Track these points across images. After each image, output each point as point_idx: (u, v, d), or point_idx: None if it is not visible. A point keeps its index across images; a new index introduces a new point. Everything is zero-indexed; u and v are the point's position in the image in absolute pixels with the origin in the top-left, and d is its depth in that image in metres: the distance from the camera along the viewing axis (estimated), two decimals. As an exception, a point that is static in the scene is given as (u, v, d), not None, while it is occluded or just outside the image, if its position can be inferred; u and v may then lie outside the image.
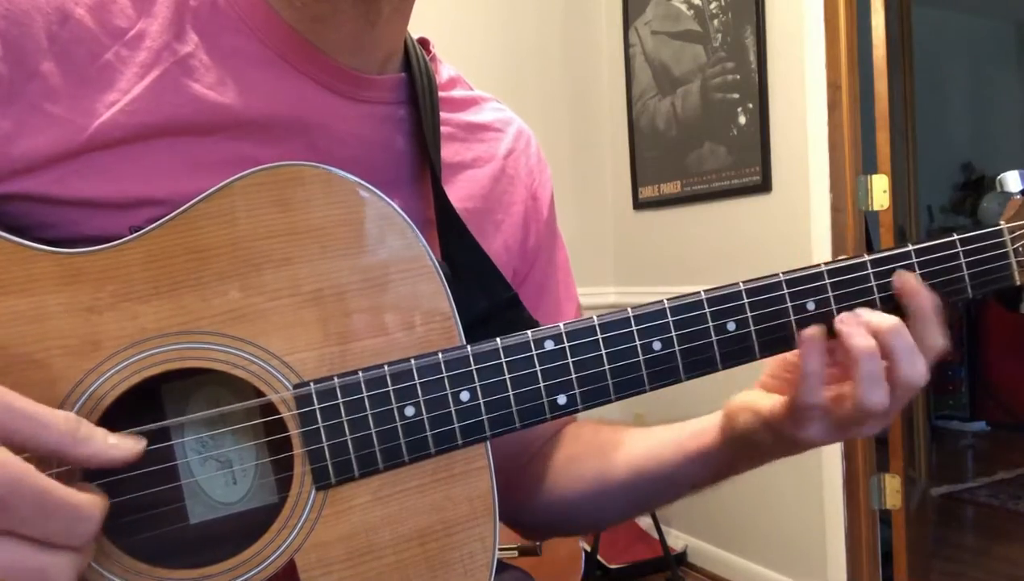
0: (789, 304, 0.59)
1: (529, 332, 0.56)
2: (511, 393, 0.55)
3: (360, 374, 0.53)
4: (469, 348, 0.55)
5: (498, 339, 0.56)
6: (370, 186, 0.55)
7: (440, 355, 0.54)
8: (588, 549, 2.49)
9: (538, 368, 0.56)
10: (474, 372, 0.55)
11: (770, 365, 0.66)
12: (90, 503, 0.43)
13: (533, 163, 0.78)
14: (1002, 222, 0.63)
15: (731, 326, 0.59)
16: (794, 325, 0.59)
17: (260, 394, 0.52)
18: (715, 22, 2.60)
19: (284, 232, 0.53)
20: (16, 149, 0.53)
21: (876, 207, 2.24)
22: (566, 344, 0.56)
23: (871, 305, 0.60)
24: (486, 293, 0.64)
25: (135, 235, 0.51)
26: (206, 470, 0.55)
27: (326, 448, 0.52)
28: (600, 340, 0.57)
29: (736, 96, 2.54)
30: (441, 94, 0.70)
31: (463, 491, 0.55)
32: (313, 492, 0.52)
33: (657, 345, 0.58)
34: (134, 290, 0.51)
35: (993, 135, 5.29)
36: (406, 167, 0.66)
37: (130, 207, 0.55)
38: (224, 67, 0.58)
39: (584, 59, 3.10)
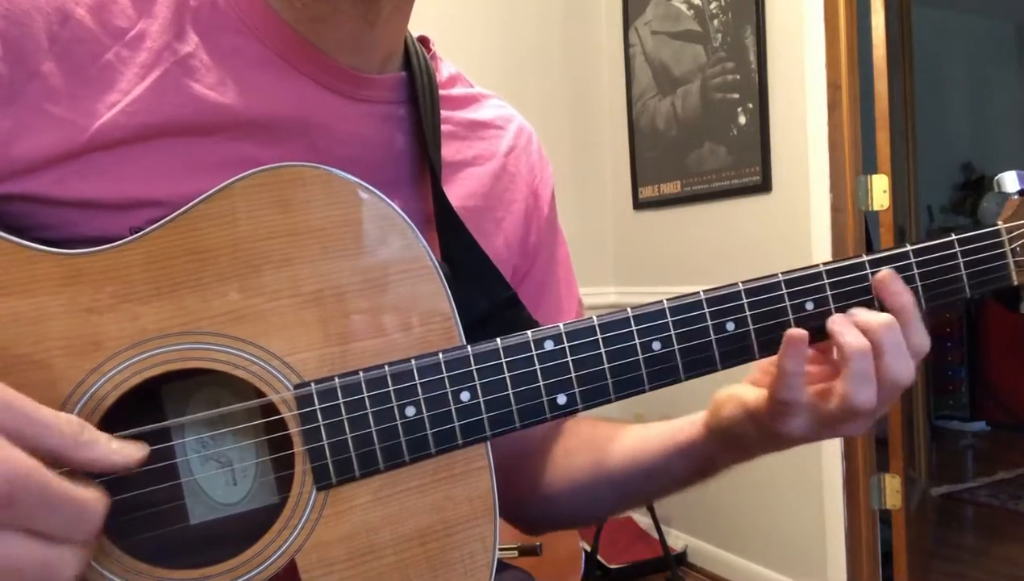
0: (788, 304, 0.60)
1: (529, 332, 0.56)
2: (511, 393, 0.55)
3: (361, 374, 0.53)
4: (469, 348, 0.55)
5: (498, 339, 0.56)
6: (370, 187, 0.55)
7: (440, 355, 0.55)
8: (588, 549, 2.49)
9: (538, 368, 0.56)
10: (474, 372, 0.55)
11: (761, 361, 0.66)
12: (94, 499, 0.43)
13: (534, 160, 0.78)
14: (1000, 222, 0.64)
15: (730, 326, 0.59)
16: (793, 325, 0.59)
17: (261, 394, 0.52)
18: (715, 22, 2.60)
19: (284, 233, 0.53)
20: (16, 150, 0.53)
21: (876, 207, 2.24)
22: (566, 344, 0.56)
23: (869, 305, 0.60)
24: (485, 293, 0.64)
25: (135, 236, 0.51)
26: (206, 470, 0.55)
27: (327, 448, 0.52)
28: (600, 340, 0.57)
29: (736, 96, 2.54)
30: (441, 92, 0.70)
31: (463, 491, 0.55)
32: (314, 492, 0.52)
33: (657, 345, 0.58)
34: (135, 291, 0.51)
35: (993, 135, 5.29)
36: (406, 166, 0.66)
37: (130, 208, 0.55)
38: (224, 67, 0.58)
39: (584, 59, 3.10)
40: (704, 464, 0.69)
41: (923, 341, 0.59)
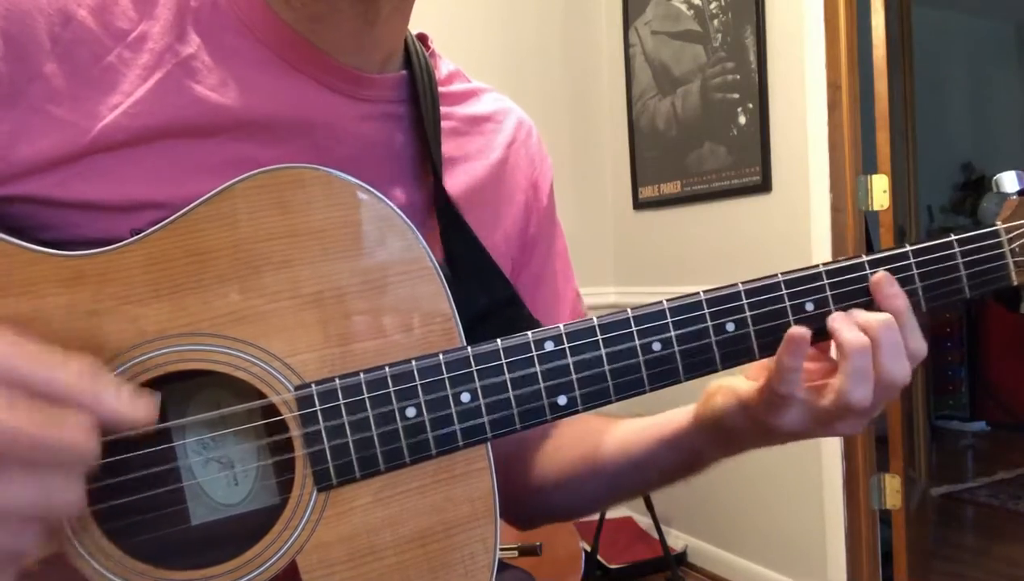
0: (788, 304, 0.60)
1: (529, 333, 0.56)
2: (512, 394, 0.55)
3: (361, 375, 0.53)
4: (470, 349, 0.55)
5: (498, 340, 0.56)
6: (370, 188, 0.55)
7: (441, 356, 0.55)
8: (588, 549, 2.49)
9: (538, 369, 0.56)
10: (475, 373, 0.55)
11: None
12: (76, 420, 0.42)
13: (534, 152, 0.78)
14: (999, 222, 0.64)
15: (730, 327, 0.59)
16: (793, 326, 0.59)
17: (261, 396, 0.52)
18: (715, 22, 2.60)
19: (285, 234, 0.53)
20: (18, 151, 0.53)
21: (876, 207, 2.24)
22: (566, 345, 0.56)
23: (869, 306, 0.60)
24: (486, 290, 0.64)
25: (135, 238, 0.51)
26: (208, 471, 0.55)
27: (327, 449, 0.52)
28: (600, 341, 0.57)
29: (736, 96, 2.54)
30: (441, 89, 0.70)
31: (464, 492, 0.55)
32: (315, 493, 0.52)
33: (657, 346, 0.58)
34: (135, 292, 0.51)
35: (993, 135, 5.29)
36: (408, 165, 0.66)
37: (132, 209, 0.55)
38: (226, 68, 0.58)
39: (584, 59, 3.10)
40: (692, 457, 0.69)
41: (919, 345, 0.60)
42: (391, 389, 0.53)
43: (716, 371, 0.59)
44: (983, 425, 4.72)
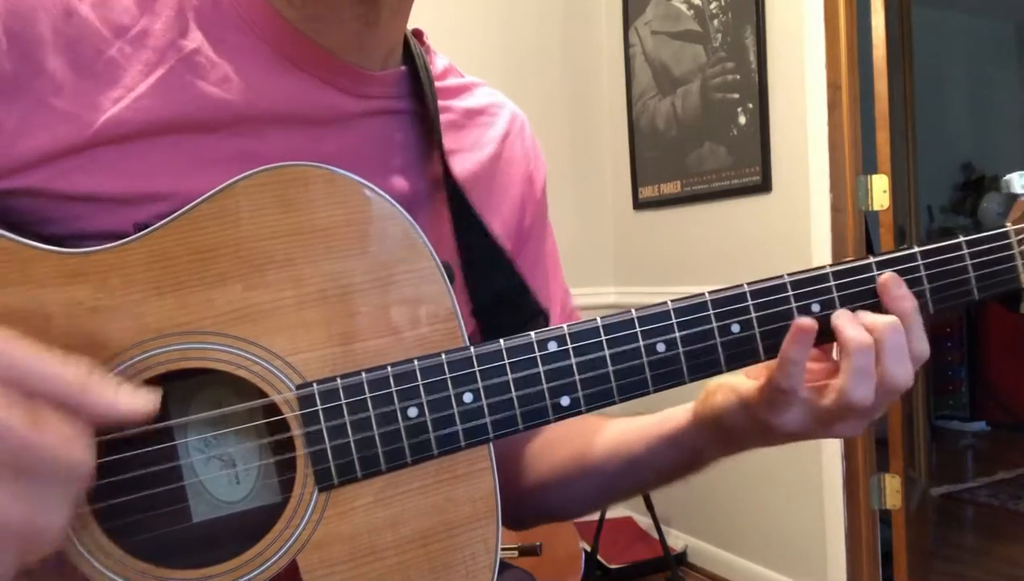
0: (794, 306, 0.59)
1: (532, 333, 0.56)
2: (514, 395, 0.55)
3: (363, 375, 0.53)
4: (472, 349, 0.55)
5: (501, 340, 0.55)
6: (373, 186, 0.55)
7: (443, 356, 0.54)
8: (588, 549, 2.49)
9: (541, 369, 0.56)
10: (477, 373, 0.55)
11: None
12: (74, 434, 0.41)
13: (528, 145, 0.79)
14: (1008, 224, 0.63)
15: (735, 328, 0.58)
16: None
17: (263, 395, 0.52)
18: (715, 22, 2.60)
19: (287, 232, 0.53)
20: (21, 144, 0.53)
21: (876, 207, 2.24)
22: (570, 346, 0.56)
23: (876, 307, 0.59)
24: (499, 275, 0.65)
25: (137, 235, 0.51)
26: (209, 469, 0.54)
27: (329, 449, 0.52)
28: (604, 342, 0.57)
29: (736, 96, 2.54)
30: (437, 84, 0.70)
31: (466, 492, 0.55)
32: (316, 493, 0.52)
33: (661, 347, 0.57)
34: (137, 290, 0.51)
35: (993, 135, 5.29)
36: (409, 159, 0.67)
37: (134, 203, 0.55)
38: (228, 64, 0.59)
39: (584, 59, 3.10)
40: (691, 455, 0.68)
41: (923, 347, 0.59)
42: (393, 389, 0.53)
43: (721, 372, 0.59)
44: (983, 425, 4.72)
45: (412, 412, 0.53)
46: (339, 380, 0.53)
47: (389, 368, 0.53)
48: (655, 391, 0.58)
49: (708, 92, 2.65)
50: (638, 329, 0.57)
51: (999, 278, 0.62)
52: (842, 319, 0.58)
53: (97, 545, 0.49)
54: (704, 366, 0.58)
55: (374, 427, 0.53)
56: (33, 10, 0.54)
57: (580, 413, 0.57)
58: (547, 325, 0.70)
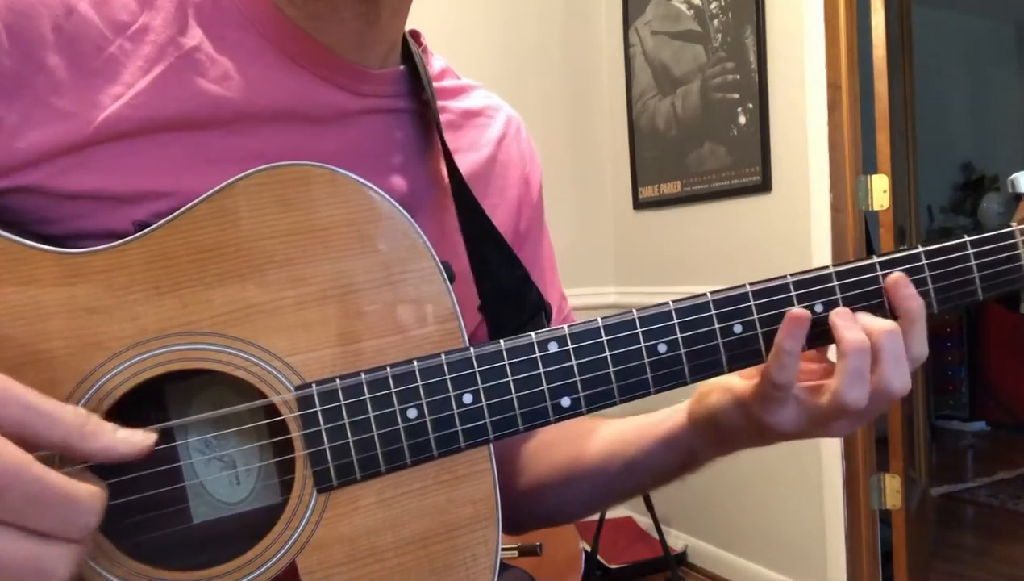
0: (797, 306, 0.59)
1: (533, 334, 0.56)
2: (514, 395, 0.55)
3: (362, 375, 0.53)
4: (472, 350, 0.55)
5: (501, 341, 0.55)
6: (374, 186, 0.55)
7: (443, 356, 0.54)
8: (588, 549, 2.49)
9: (542, 370, 0.55)
10: (477, 374, 0.54)
11: None
12: (89, 494, 0.42)
13: (524, 148, 0.79)
14: (1013, 224, 0.62)
15: (738, 328, 0.58)
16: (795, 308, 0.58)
17: (263, 396, 0.52)
18: (715, 22, 2.60)
19: (287, 232, 0.53)
20: (21, 142, 0.53)
21: (876, 207, 2.23)
22: (570, 346, 0.56)
23: (879, 308, 0.59)
24: (502, 271, 0.65)
25: (136, 235, 0.51)
26: (210, 470, 0.54)
27: (328, 450, 0.52)
28: (605, 342, 0.56)
29: (736, 96, 2.53)
30: (434, 84, 0.71)
31: (466, 493, 0.55)
32: (315, 494, 0.52)
33: (662, 347, 0.57)
34: (135, 290, 0.50)
35: (993, 135, 5.29)
36: (409, 158, 0.67)
37: (134, 201, 0.55)
38: (228, 61, 0.58)
39: (584, 59, 3.10)
40: (686, 456, 0.68)
41: (923, 349, 0.59)
42: (392, 390, 0.53)
43: (723, 372, 0.58)
44: (983, 425, 4.72)
45: (412, 413, 0.53)
46: (338, 381, 0.52)
47: (388, 369, 0.53)
48: (656, 392, 0.58)
49: (708, 92, 2.65)
50: (639, 329, 0.57)
51: (1004, 278, 0.62)
52: (841, 318, 0.57)
53: (96, 546, 0.49)
54: (706, 367, 0.58)
55: (373, 428, 0.53)
56: (34, 7, 0.54)
57: (581, 414, 0.57)
58: (550, 318, 0.70)
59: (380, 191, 0.55)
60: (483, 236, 0.66)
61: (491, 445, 0.55)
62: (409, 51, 0.69)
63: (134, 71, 0.56)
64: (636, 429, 0.70)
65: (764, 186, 2.46)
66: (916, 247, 0.61)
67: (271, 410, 0.52)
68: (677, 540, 2.88)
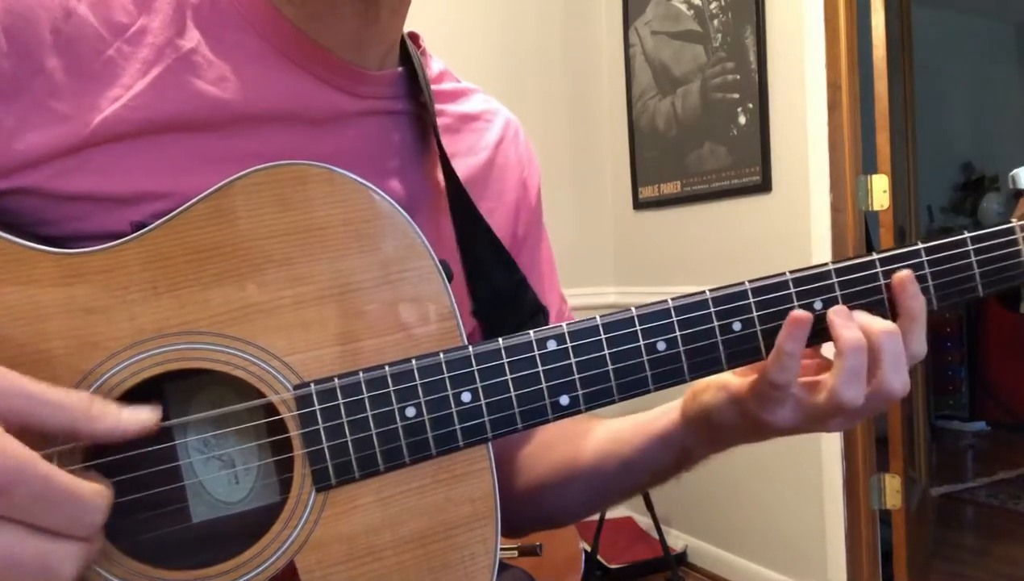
0: (796, 303, 0.58)
1: (531, 332, 0.56)
2: (513, 394, 0.55)
3: (361, 374, 0.53)
4: (471, 348, 0.55)
5: (500, 339, 0.55)
6: (372, 186, 0.55)
7: (441, 355, 0.54)
8: (588, 549, 2.49)
9: (540, 368, 0.55)
10: (475, 373, 0.54)
11: None
12: (95, 492, 0.42)
13: (522, 151, 0.79)
14: (1014, 220, 0.62)
15: (737, 326, 0.58)
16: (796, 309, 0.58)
17: (261, 395, 0.52)
18: (715, 22, 2.60)
19: (285, 232, 0.53)
20: (20, 144, 0.53)
21: (876, 207, 2.23)
22: (569, 344, 0.56)
23: (879, 305, 0.59)
24: (498, 275, 0.65)
25: (134, 235, 0.51)
26: (209, 470, 0.54)
27: (326, 449, 0.52)
28: (603, 340, 0.56)
29: (736, 96, 2.53)
30: (433, 87, 0.70)
31: (465, 492, 0.55)
32: (313, 493, 0.52)
33: (661, 345, 0.57)
34: (133, 291, 0.50)
35: (993, 135, 5.29)
36: (406, 159, 0.67)
37: (132, 202, 0.55)
38: (226, 63, 0.58)
39: (584, 59, 3.10)
40: (680, 454, 0.68)
41: (922, 348, 0.59)
42: (391, 388, 0.53)
43: (722, 370, 0.58)
44: (983, 425, 4.72)
45: (410, 412, 0.53)
46: (336, 380, 0.52)
47: (387, 368, 0.53)
48: (656, 390, 0.57)
49: (708, 92, 2.65)
50: (638, 327, 0.57)
51: (1004, 274, 0.62)
52: (839, 316, 0.57)
53: (100, 541, 0.49)
54: (705, 364, 0.58)
55: (372, 427, 0.53)
56: (32, 10, 0.54)
57: (580, 412, 0.57)
58: (547, 323, 0.70)
59: (379, 190, 0.55)
60: (478, 240, 0.66)
61: (490, 444, 0.55)
62: (407, 53, 0.69)
63: (132, 73, 0.56)
64: (631, 428, 0.70)
65: (764, 186, 2.46)
66: (916, 244, 0.60)
67: (270, 409, 0.52)
68: (677, 540, 2.88)
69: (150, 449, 0.50)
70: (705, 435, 0.66)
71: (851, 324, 0.57)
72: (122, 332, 0.50)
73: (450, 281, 0.56)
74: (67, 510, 0.41)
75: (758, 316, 0.58)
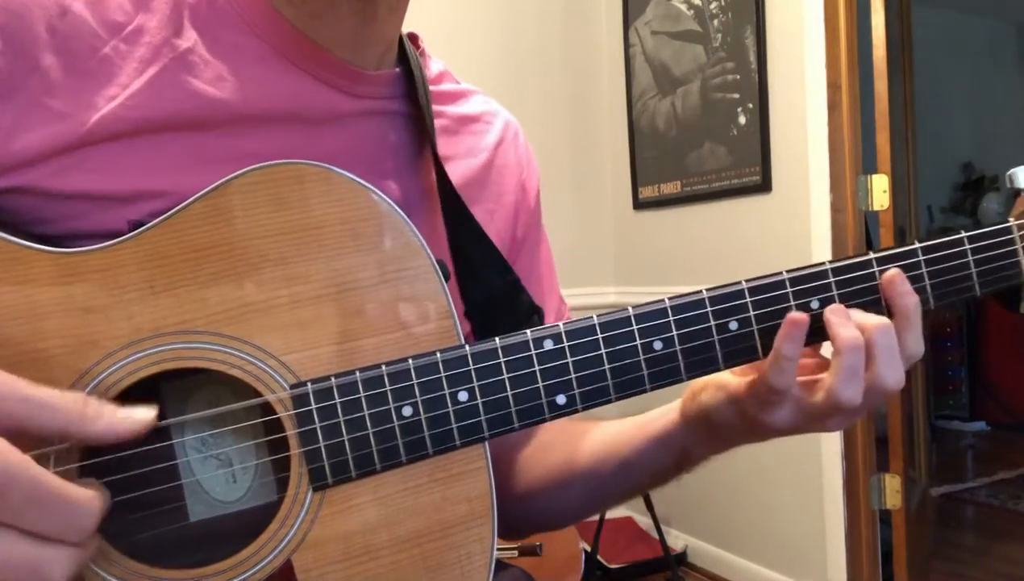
0: (792, 303, 0.58)
1: (528, 331, 0.56)
2: (510, 393, 0.55)
3: (357, 374, 0.53)
4: (467, 348, 0.55)
5: (497, 339, 0.55)
6: (369, 185, 0.55)
7: (438, 355, 0.54)
8: (588, 549, 2.49)
9: (537, 368, 0.55)
10: (472, 372, 0.54)
11: None
12: (88, 497, 0.42)
13: (521, 153, 0.78)
14: (1011, 219, 0.62)
15: (733, 325, 0.58)
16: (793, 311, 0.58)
17: (258, 394, 0.52)
18: (715, 22, 2.60)
19: (281, 231, 0.53)
20: (16, 143, 0.53)
21: (876, 207, 2.23)
22: (565, 344, 0.56)
23: (876, 304, 0.59)
24: (492, 277, 0.65)
25: (131, 235, 0.51)
26: (206, 469, 0.54)
27: (323, 449, 0.52)
28: (600, 339, 0.56)
29: (736, 96, 2.53)
30: (432, 88, 0.70)
31: (461, 491, 0.55)
32: (310, 492, 0.52)
33: (658, 344, 0.57)
34: (130, 290, 0.50)
35: (993, 135, 5.29)
36: (403, 160, 0.67)
37: (129, 201, 0.55)
38: (223, 63, 0.58)
39: (584, 59, 3.10)
40: (679, 455, 0.68)
41: (918, 347, 0.58)
42: (388, 388, 0.53)
43: (719, 370, 0.58)
44: (983, 425, 4.72)
45: (407, 411, 0.53)
46: (333, 379, 0.52)
47: (383, 367, 0.53)
48: (652, 389, 0.57)
49: (708, 92, 2.65)
50: (635, 327, 0.57)
51: (1001, 273, 0.62)
52: (835, 315, 0.57)
53: (93, 545, 0.49)
54: (702, 364, 0.58)
55: (368, 426, 0.53)
56: (27, 8, 0.53)
57: (576, 412, 0.57)
58: (543, 324, 0.70)
59: (376, 190, 0.55)
60: (470, 242, 0.65)
61: (487, 443, 0.55)
62: (405, 54, 0.69)
63: (129, 72, 0.56)
64: (629, 429, 0.70)
65: (764, 186, 2.46)
66: (913, 243, 0.60)
67: (267, 408, 0.52)
68: (677, 540, 2.88)
69: (147, 448, 0.50)
70: (704, 435, 0.65)
71: (848, 323, 0.57)
72: (119, 331, 0.50)
73: (447, 280, 0.56)
74: (59, 515, 0.41)
75: (755, 315, 0.58)
